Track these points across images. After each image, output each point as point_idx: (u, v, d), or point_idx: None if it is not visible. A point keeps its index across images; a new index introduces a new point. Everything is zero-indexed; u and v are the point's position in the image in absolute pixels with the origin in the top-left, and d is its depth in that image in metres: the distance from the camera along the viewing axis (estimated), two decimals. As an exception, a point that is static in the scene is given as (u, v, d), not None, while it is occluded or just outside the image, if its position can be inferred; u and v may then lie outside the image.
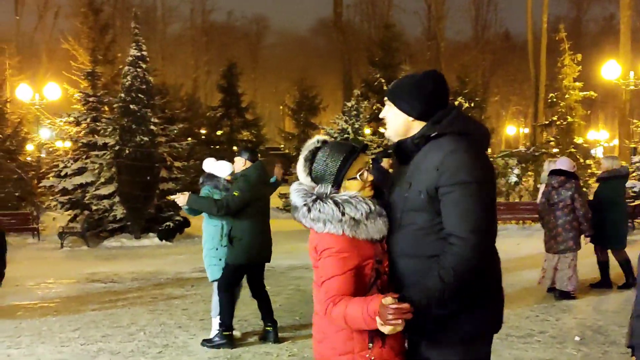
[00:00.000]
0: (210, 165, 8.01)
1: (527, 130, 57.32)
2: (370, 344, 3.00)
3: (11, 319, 9.23)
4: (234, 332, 7.72)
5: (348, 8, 58.78)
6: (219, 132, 36.57)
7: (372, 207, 3.03)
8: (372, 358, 3.00)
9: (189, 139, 26.89)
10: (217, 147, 34.12)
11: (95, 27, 28.07)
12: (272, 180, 8.08)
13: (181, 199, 7.27)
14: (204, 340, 7.65)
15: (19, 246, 19.42)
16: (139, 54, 19.70)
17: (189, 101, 41.01)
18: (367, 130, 27.10)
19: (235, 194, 7.18)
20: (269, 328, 7.68)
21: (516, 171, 23.35)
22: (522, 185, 23.72)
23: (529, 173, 24.73)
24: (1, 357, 7.17)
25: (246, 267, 7.48)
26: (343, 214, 2.96)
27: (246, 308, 8.85)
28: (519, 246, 16.28)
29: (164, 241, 19.38)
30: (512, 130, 63.10)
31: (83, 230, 19.58)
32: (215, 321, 7.72)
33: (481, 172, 2.86)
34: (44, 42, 47.52)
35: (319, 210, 3.00)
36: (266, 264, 7.66)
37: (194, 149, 27.80)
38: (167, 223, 19.90)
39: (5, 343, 7.82)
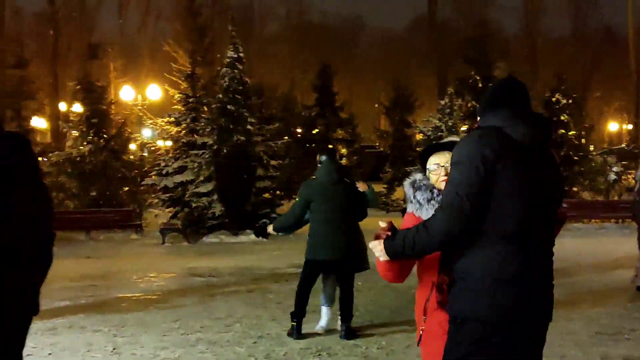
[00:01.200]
0: None
1: (630, 127, 55.44)
2: (424, 317, 3.41)
3: (117, 310, 9.73)
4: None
5: (443, 6, 58.36)
6: (314, 131, 36.98)
7: (433, 195, 3.48)
8: (421, 331, 3.43)
9: (286, 137, 27.36)
10: (313, 145, 34.51)
11: (194, 30, 28.87)
12: (367, 194, 8.14)
13: None
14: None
15: (123, 242, 20.33)
16: (235, 55, 20.27)
17: (285, 100, 41.64)
18: (464, 128, 26.90)
19: (297, 199, 8.02)
20: (342, 324, 7.91)
21: (615, 169, 22.72)
22: (621, 183, 23.07)
23: (631, 171, 24.02)
24: (108, 346, 7.62)
25: (313, 263, 7.87)
26: (414, 196, 3.53)
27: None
28: (617, 245, 15.91)
29: (260, 238, 19.86)
30: (615, 126, 61.16)
31: (183, 227, 20.31)
32: (325, 310, 8.14)
33: (465, 153, 3.02)
34: (146, 45, 49.12)
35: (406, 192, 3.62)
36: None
37: (290, 148, 28.28)
38: (264, 220, 20.38)
39: (111, 332, 8.28)
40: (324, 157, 8.04)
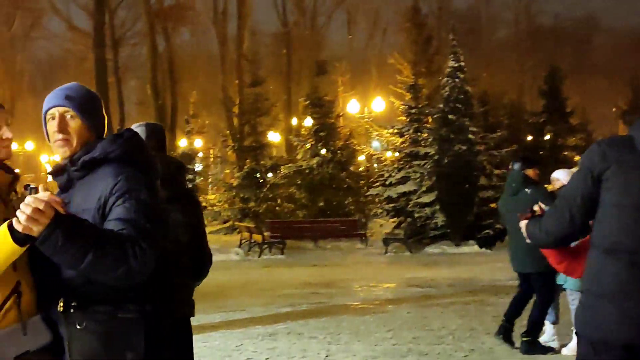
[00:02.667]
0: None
1: None
2: None
3: (334, 317, 10.04)
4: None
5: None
6: (544, 138, 35.65)
7: None
8: None
9: (514, 145, 26.66)
10: (541, 153, 33.30)
11: (419, 40, 29.10)
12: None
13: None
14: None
15: (348, 250, 20.92)
16: (456, 64, 20.17)
17: (512, 107, 40.57)
18: None
19: None
20: (524, 338, 7.52)
21: None
22: None
23: None
24: (321, 353, 7.89)
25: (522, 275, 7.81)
26: None
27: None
28: None
29: (483, 249, 19.55)
30: None
31: (406, 237, 20.50)
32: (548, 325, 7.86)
33: (581, 159, 2.96)
34: (373, 59, 50.16)
35: None
36: None
37: (516, 156, 27.48)
38: (487, 231, 20.04)
39: (326, 339, 8.57)
40: (516, 165, 7.74)
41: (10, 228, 2.23)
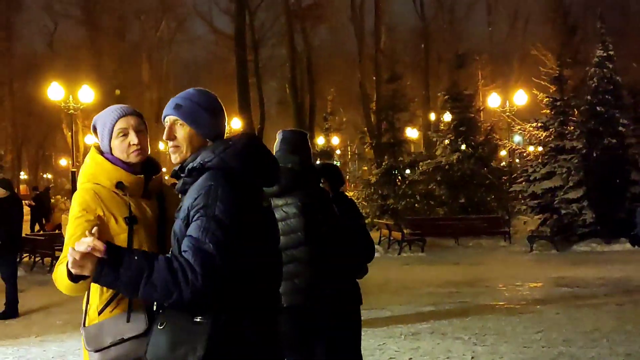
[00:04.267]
0: None
1: None
2: None
3: (479, 317, 9.74)
4: None
5: None
6: None
7: None
8: None
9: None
10: None
11: (564, 29, 28.01)
12: None
13: None
14: None
15: (491, 249, 20.38)
16: (605, 54, 19.23)
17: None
18: None
19: None
20: None
21: None
22: None
23: None
24: (467, 354, 7.65)
25: None
26: None
27: None
28: None
29: (636, 247, 18.50)
30: None
31: (552, 235, 19.73)
32: None
33: None
34: (514, 50, 48.75)
35: None
36: None
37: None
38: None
39: (471, 340, 8.31)
40: None
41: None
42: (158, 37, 49.96)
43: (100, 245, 2.36)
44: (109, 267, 2.36)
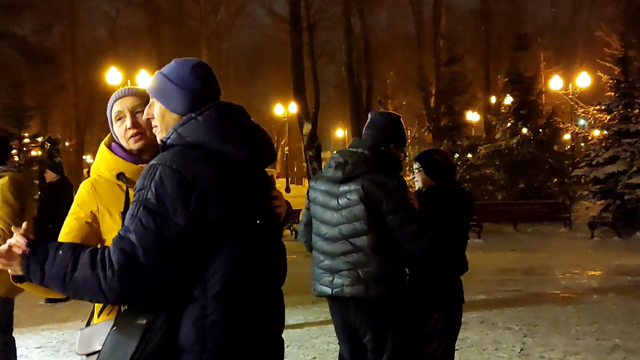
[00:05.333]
0: None
1: None
2: None
3: (532, 307, 9.41)
4: None
5: None
6: None
7: None
8: None
9: None
10: None
11: (629, 9, 27.08)
12: None
13: None
14: None
15: (551, 234, 19.89)
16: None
17: None
18: None
19: None
20: None
21: None
22: None
23: None
24: (516, 345, 7.37)
25: None
26: None
27: None
28: None
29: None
30: None
31: (614, 221, 19.12)
32: None
33: None
34: (578, 32, 47.42)
35: None
36: None
37: None
38: None
39: (522, 331, 8.02)
40: None
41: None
42: (217, 22, 50.15)
43: (21, 240, 2.19)
44: (34, 263, 2.17)
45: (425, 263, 4.35)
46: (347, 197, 4.16)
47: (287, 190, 49.51)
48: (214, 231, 2.18)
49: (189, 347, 2.19)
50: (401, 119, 4.48)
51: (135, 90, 2.77)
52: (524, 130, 24.67)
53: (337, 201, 4.20)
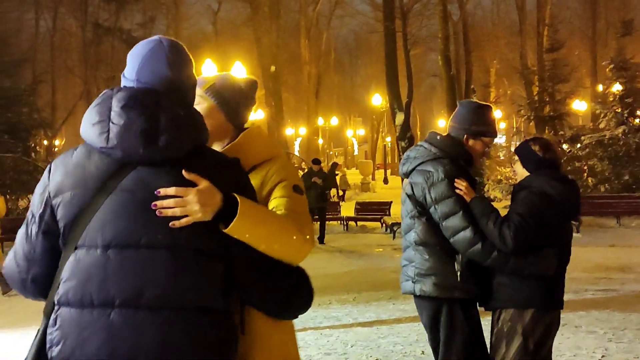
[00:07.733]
0: None
1: None
2: None
3: (623, 308, 8.74)
4: None
5: None
6: None
7: None
8: None
9: None
10: None
11: None
12: None
13: None
14: None
15: None
16: None
17: None
18: None
19: None
20: None
21: None
22: None
23: None
24: (597, 351, 6.85)
25: None
26: None
27: None
28: None
29: None
30: None
31: None
32: None
33: None
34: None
35: None
36: None
37: None
38: None
39: (607, 335, 7.47)
40: None
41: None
42: (317, 12, 50.24)
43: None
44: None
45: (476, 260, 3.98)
46: (405, 192, 4.12)
47: (385, 181, 49.05)
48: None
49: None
50: (486, 109, 4.20)
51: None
52: (631, 119, 23.49)
53: (403, 197, 4.18)
